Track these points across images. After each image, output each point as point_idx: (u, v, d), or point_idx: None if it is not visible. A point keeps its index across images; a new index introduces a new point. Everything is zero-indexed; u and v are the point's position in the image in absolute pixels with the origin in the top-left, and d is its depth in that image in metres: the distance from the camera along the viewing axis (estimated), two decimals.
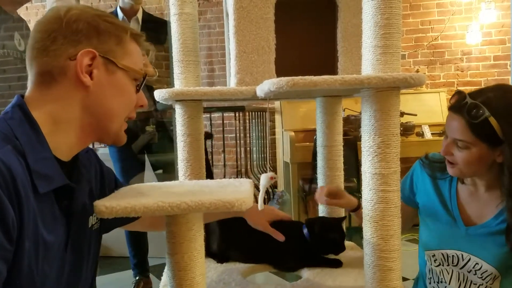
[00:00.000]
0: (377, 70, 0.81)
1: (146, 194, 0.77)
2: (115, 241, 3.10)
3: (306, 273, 1.10)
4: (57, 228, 0.74)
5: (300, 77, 0.77)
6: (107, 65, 0.77)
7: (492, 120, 0.99)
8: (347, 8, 1.05)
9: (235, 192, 0.77)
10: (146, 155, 2.43)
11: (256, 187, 2.81)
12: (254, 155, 3.57)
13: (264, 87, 0.84)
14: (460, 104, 1.04)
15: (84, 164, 0.86)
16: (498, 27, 3.92)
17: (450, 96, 1.11)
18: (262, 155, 3.63)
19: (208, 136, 1.21)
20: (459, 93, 1.07)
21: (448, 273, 1.15)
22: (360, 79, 0.78)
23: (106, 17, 0.78)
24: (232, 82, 1.04)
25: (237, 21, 0.99)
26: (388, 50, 0.80)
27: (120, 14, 2.32)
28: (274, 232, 1.11)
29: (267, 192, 3.35)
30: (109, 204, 0.68)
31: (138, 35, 0.82)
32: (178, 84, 1.06)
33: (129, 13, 2.31)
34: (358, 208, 1.21)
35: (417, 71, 3.86)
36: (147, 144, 2.42)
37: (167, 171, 2.47)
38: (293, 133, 3.40)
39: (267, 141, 3.76)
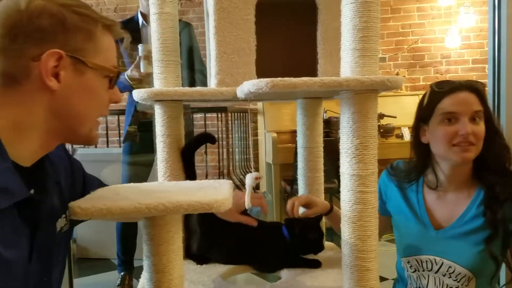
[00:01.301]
0: (356, 73, 0.82)
1: (123, 195, 0.76)
2: (94, 243, 3.07)
3: (286, 274, 1.10)
4: (19, 241, 0.67)
5: (279, 78, 0.77)
6: (76, 65, 0.69)
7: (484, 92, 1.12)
8: (327, 11, 1.05)
9: (214, 193, 0.77)
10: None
11: (238, 188, 2.81)
12: (237, 156, 3.57)
13: (244, 88, 0.84)
14: (460, 83, 1.12)
15: (52, 161, 0.79)
16: (477, 31, 4.01)
17: (433, 88, 1.16)
18: (245, 156, 3.63)
19: (209, 139, 1.16)
20: (445, 80, 1.15)
21: (425, 278, 1.17)
22: (338, 81, 0.79)
23: (74, 7, 0.69)
24: (212, 83, 1.04)
25: (218, 22, 0.98)
26: (366, 53, 0.81)
27: (140, 19, 2.33)
28: (246, 219, 1.08)
29: None
30: (84, 206, 0.67)
31: (111, 24, 0.75)
32: (158, 84, 1.05)
33: (148, 17, 2.29)
34: (330, 211, 1.22)
35: (397, 74, 3.92)
36: (131, 144, 2.40)
37: (147, 171, 2.45)
38: (275, 134, 3.41)
39: (249, 142, 3.76)
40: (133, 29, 2.29)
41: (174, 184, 0.91)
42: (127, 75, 2.12)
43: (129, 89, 2.19)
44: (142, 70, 2.05)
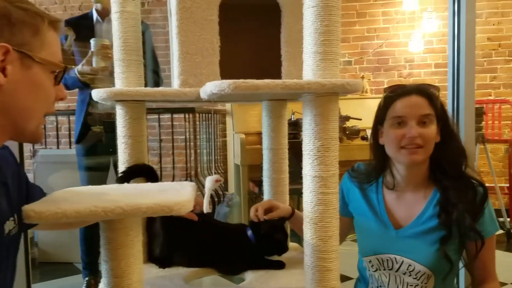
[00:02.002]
0: (317, 76, 0.83)
1: (79, 198, 0.74)
2: (57, 246, 2.99)
3: (250, 276, 1.10)
4: None
5: (242, 80, 0.77)
6: (23, 60, 0.69)
7: (437, 97, 1.15)
8: (290, 14, 1.06)
9: (175, 195, 0.76)
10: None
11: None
12: (204, 157, 3.54)
13: (206, 89, 0.83)
14: (411, 87, 1.15)
15: None
16: (439, 36, 4.13)
17: (386, 92, 1.20)
18: (212, 157, 3.61)
19: (150, 174, 1.10)
20: (398, 84, 1.20)
21: (386, 277, 1.20)
22: (300, 84, 0.80)
23: (19, 3, 0.69)
24: (175, 83, 1.03)
25: (180, 22, 0.97)
26: (327, 57, 0.82)
27: (94, 15, 2.30)
28: (189, 214, 1.06)
29: (217, 194, 3.33)
30: (38, 209, 0.65)
31: (56, 21, 0.75)
32: (119, 84, 1.03)
33: (102, 14, 2.29)
34: (292, 215, 1.22)
35: (363, 77, 3.99)
36: (93, 145, 2.34)
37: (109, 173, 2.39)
38: (243, 136, 3.40)
39: (217, 143, 3.75)
40: (87, 25, 2.27)
41: (134, 186, 0.90)
42: (77, 70, 2.08)
43: (79, 85, 2.16)
44: (94, 65, 2.02)
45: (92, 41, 2.01)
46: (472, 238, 1.11)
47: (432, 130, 1.13)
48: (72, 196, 0.77)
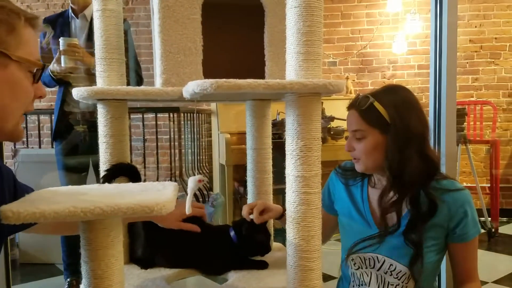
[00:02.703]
0: (300, 76, 0.83)
1: (58, 199, 0.72)
2: (38, 247, 2.94)
3: (232, 276, 1.10)
4: None
5: (224, 79, 0.77)
6: None
7: (377, 105, 1.11)
8: (274, 14, 1.06)
9: (156, 195, 0.75)
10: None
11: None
12: (189, 157, 3.52)
13: (189, 89, 0.83)
14: (354, 101, 1.16)
15: None
16: (423, 37, 4.19)
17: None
18: (197, 157, 3.60)
19: (132, 174, 1.10)
20: (356, 95, 1.19)
21: (368, 276, 1.20)
22: (282, 84, 0.80)
23: None
24: (158, 82, 1.02)
25: (162, 20, 0.97)
26: (309, 57, 0.82)
27: (70, 12, 2.28)
28: (188, 226, 1.08)
29: (202, 195, 3.32)
30: (16, 210, 0.63)
31: (33, 18, 0.74)
32: (101, 82, 1.02)
33: (76, 11, 2.27)
34: (283, 215, 1.23)
35: (347, 78, 4.02)
36: (76, 145, 2.31)
37: (91, 173, 2.36)
38: (228, 135, 3.39)
39: (198, 143, 3.73)
40: (64, 23, 2.26)
41: (115, 186, 0.88)
42: (50, 69, 2.07)
43: (54, 83, 2.15)
44: (62, 64, 1.99)
45: (60, 40, 1.99)
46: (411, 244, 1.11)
47: (365, 144, 1.13)
48: (51, 196, 0.75)
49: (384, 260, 1.16)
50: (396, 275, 1.15)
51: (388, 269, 1.16)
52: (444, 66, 1.82)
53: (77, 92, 0.95)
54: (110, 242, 0.74)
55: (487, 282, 2.53)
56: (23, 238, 2.94)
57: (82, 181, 2.30)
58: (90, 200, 0.69)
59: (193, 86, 0.79)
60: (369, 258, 1.19)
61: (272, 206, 1.22)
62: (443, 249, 1.17)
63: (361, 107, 1.12)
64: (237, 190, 3.45)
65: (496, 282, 2.56)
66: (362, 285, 1.22)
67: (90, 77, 2.11)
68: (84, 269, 0.74)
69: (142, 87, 0.97)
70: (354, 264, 1.22)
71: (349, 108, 1.18)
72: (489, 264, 2.90)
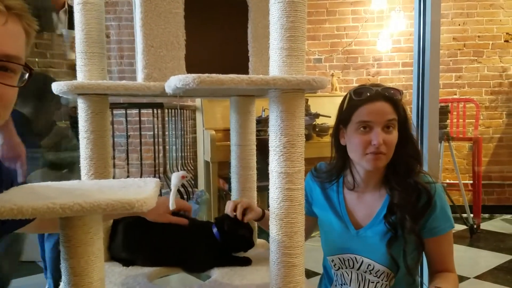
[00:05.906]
0: (283, 72, 0.83)
1: (38, 195, 0.71)
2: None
3: (215, 273, 1.10)
4: None
5: (207, 74, 0.76)
6: None
7: (400, 102, 1.15)
8: (257, 9, 1.06)
9: (137, 192, 0.74)
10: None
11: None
12: (174, 154, 3.50)
13: (171, 84, 0.82)
14: (377, 93, 1.13)
15: None
16: (407, 35, 4.22)
17: (351, 95, 1.17)
18: (182, 154, 3.57)
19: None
20: (363, 87, 1.16)
21: (348, 275, 1.21)
22: (266, 80, 0.79)
23: None
24: (139, 77, 1.00)
25: (144, 14, 0.95)
26: (293, 53, 0.82)
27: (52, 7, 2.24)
28: (176, 219, 1.11)
29: (186, 192, 3.30)
30: None
31: (21, 13, 0.68)
32: (81, 77, 1.00)
33: (57, 5, 2.23)
34: (263, 217, 1.22)
35: (332, 75, 4.04)
36: (57, 141, 2.28)
37: (73, 170, 2.33)
38: (213, 132, 3.38)
39: (182, 140, 3.70)
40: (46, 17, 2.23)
41: (95, 182, 0.87)
42: None
43: None
44: None
45: None
46: (413, 241, 1.12)
47: (394, 135, 1.14)
48: (30, 192, 0.74)
49: (362, 261, 1.17)
50: (375, 273, 1.16)
51: (367, 268, 1.17)
52: (427, 63, 1.84)
53: (56, 87, 0.93)
54: (90, 239, 0.72)
55: (468, 278, 2.57)
56: None
57: (66, 179, 2.26)
58: (70, 196, 0.68)
59: (175, 81, 0.78)
60: (348, 259, 1.19)
61: (254, 207, 1.21)
62: (420, 244, 1.15)
63: (394, 98, 1.14)
64: (222, 187, 3.45)
65: (477, 277, 2.60)
66: (344, 284, 1.23)
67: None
68: (63, 266, 0.73)
69: (123, 82, 0.95)
70: (335, 265, 1.23)
71: (374, 99, 1.13)
72: (470, 260, 2.95)
